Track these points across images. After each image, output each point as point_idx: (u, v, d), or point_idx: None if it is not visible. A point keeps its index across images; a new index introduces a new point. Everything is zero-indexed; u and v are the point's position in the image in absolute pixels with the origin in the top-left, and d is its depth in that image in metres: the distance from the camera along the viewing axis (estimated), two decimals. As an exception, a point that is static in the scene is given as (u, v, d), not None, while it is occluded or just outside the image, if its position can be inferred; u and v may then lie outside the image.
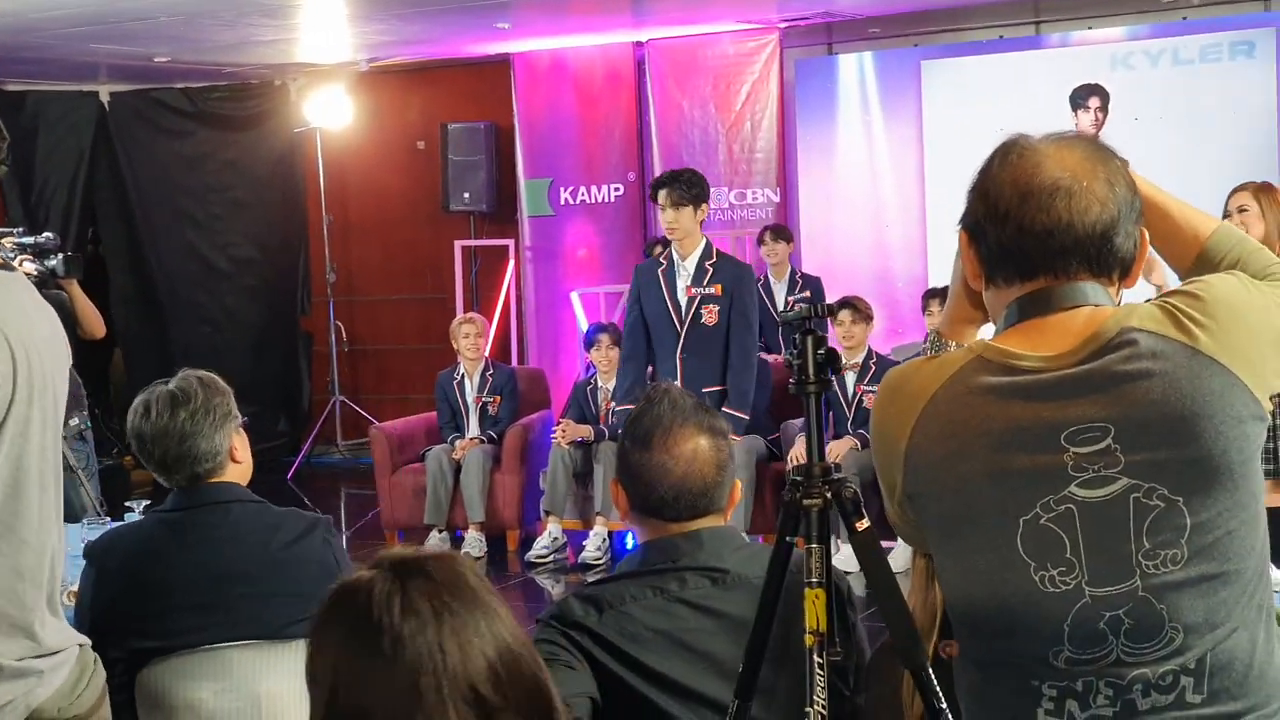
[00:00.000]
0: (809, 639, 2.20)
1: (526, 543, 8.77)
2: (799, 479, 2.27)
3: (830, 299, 8.87)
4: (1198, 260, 2.16)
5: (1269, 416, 1.94)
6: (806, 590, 2.21)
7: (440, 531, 8.82)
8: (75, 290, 7.22)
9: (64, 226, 11.98)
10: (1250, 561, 1.91)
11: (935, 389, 1.98)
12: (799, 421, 8.15)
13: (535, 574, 8.39)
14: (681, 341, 6.59)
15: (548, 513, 8.63)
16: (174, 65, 11.30)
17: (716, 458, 2.66)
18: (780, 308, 9.68)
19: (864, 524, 2.26)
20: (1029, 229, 1.96)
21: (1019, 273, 2.00)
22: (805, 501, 2.24)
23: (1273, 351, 1.96)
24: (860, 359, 8.02)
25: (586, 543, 8.44)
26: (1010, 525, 1.91)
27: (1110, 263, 1.99)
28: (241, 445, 3.54)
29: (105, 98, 12.32)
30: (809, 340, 2.27)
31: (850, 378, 8.03)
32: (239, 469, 3.53)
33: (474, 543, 8.74)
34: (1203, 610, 1.88)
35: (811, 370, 2.27)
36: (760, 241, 9.75)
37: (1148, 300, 2.02)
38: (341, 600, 1.72)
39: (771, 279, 9.75)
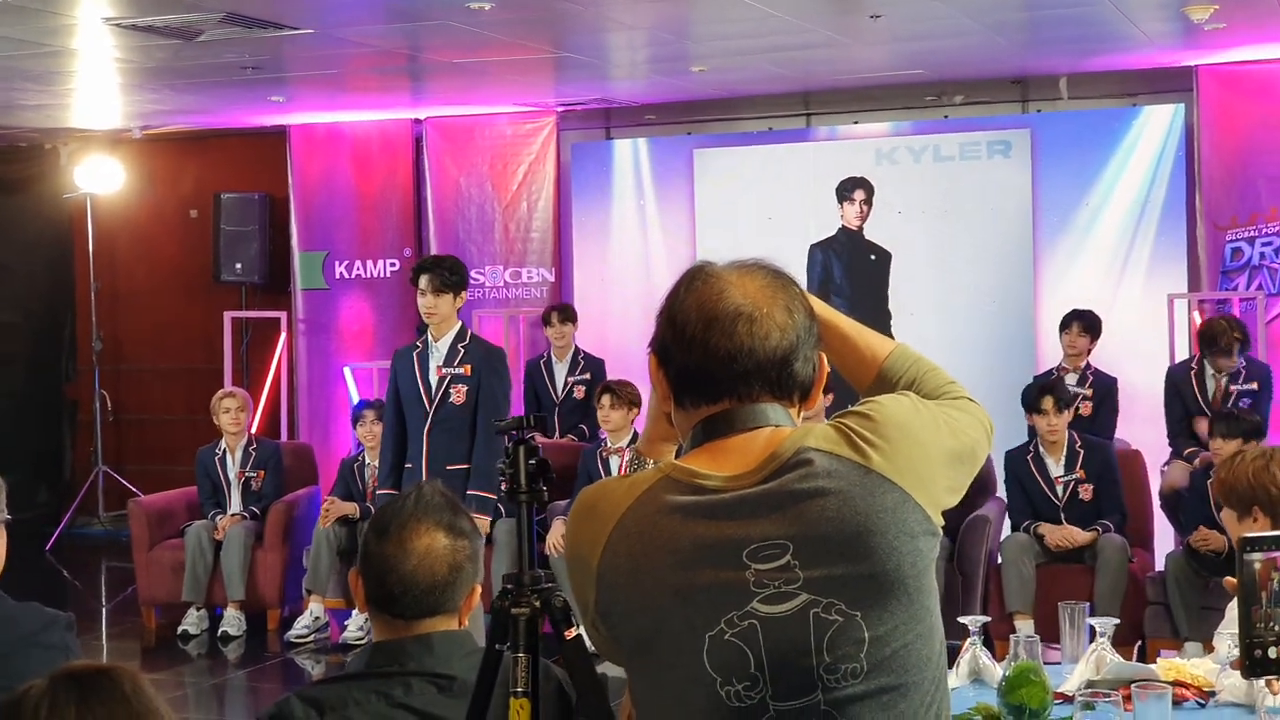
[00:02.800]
0: (512, 749, 2.22)
1: (289, 621, 8.64)
2: (509, 587, 2.30)
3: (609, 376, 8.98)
4: (876, 380, 2.25)
5: (940, 533, 2.02)
6: (511, 700, 2.22)
7: (199, 609, 8.64)
8: None
9: None
10: (928, 672, 1.98)
11: (625, 508, 2.02)
12: (563, 503, 8.19)
13: (295, 654, 8.26)
14: (429, 419, 6.64)
15: (309, 591, 8.52)
16: (-63, 124, 10.99)
17: (451, 557, 2.64)
18: (560, 388, 9.73)
19: (573, 632, 2.28)
20: (713, 353, 2.03)
21: (703, 395, 2.06)
22: (514, 610, 2.26)
23: (943, 469, 2.05)
24: (625, 443, 8.09)
25: (349, 622, 8.35)
26: (697, 641, 1.95)
27: (790, 385, 2.06)
28: (0, 542, 3.43)
29: None
30: (520, 450, 2.30)
31: (614, 462, 8.10)
32: None
33: (233, 621, 8.58)
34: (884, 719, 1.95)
35: (523, 479, 2.30)
36: (546, 322, 9.79)
37: (823, 421, 2.10)
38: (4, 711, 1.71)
39: (554, 359, 9.79)
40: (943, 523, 2.03)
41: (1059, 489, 7.62)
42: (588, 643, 2.20)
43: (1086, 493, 7.59)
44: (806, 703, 1.93)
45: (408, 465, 6.73)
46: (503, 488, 2.35)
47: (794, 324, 2.06)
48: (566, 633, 2.29)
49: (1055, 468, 7.64)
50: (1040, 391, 7.70)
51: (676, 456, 2.11)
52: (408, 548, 2.62)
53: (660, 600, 1.97)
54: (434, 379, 6.70)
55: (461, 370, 6.66)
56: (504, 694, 2.27)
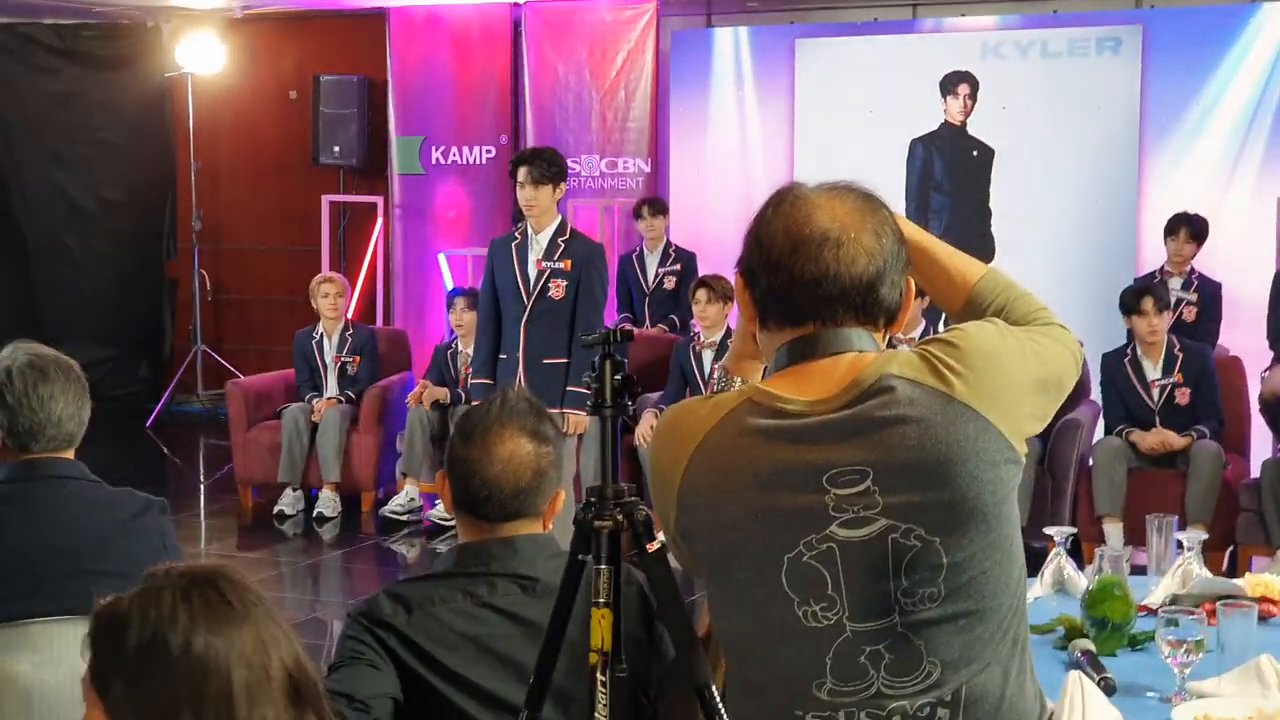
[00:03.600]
0: (594, 657, 2.24)
1: (382, 504, 8.79)
2: (592, 500, 2.31)
3: (702, 273, 8.95)
4: (965, 305, 2.24)
5: (1023, 459, 2.02)
6: (594, 610, 2.25)
7: (295, 489, 8.80)
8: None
9: (-76, 161, 11.75)
10: (1004, 599, 2.00)
11: (708, 429, 2.04)
12: (654, 395, 8.22)
13: (389, 537, 8.40)
14: (527, 312, 6.64)
15: (404, 474, 8.66)
16: (43, 2, 11.07)
17: (535, 463, 2.67)
18: (651, 280, 9.74)
19: (654, 544, 2.30)
20: (798, 277, 2.03)
21: (788, 318, 2.06)
22: (596, 523, 2.28)
23: (1028, 396, 2.04)
24: (718, 338, 8.09)
25: (439, 503, 8.47)
26: (775, 562, 1.98)
27: (875, 311, 2.06)
28: None
29: (-30, 30, 12.06)
30: (607, 364, 2.31)
31: (708, 356, 8.10)
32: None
33: (328, 502, 8.73)
34: (958, 646, 1.96)
35: (609, 394, 2.31)
36: (637, 215, 9.79)
37: (908, 347, 2.09)
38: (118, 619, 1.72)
39: (646, 251, 9.80)
40: (1026, 450, 2.03)
41: (1155, 393, 7.53)
42: (669, 556, 2.23)
43: (1183, 397, 7.49)
44: (883, 625, 1.95)
45: (502, 356, 6.75)
46: (588, 401, 2.36)
47: (881, 249, 2.05)
48: (648, 545, 2.30)
49: (1152, 371, 7.55)
50: (1139, 293, 7.57)
51: (762, 378, 2.11)
52: (492, 452, 2.66)
53: (740, 521, 2.00)
54: (533, 272, 6.68)
55: (561, 265, 6.64)
56: (586, 603, 2.30)
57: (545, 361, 6.61)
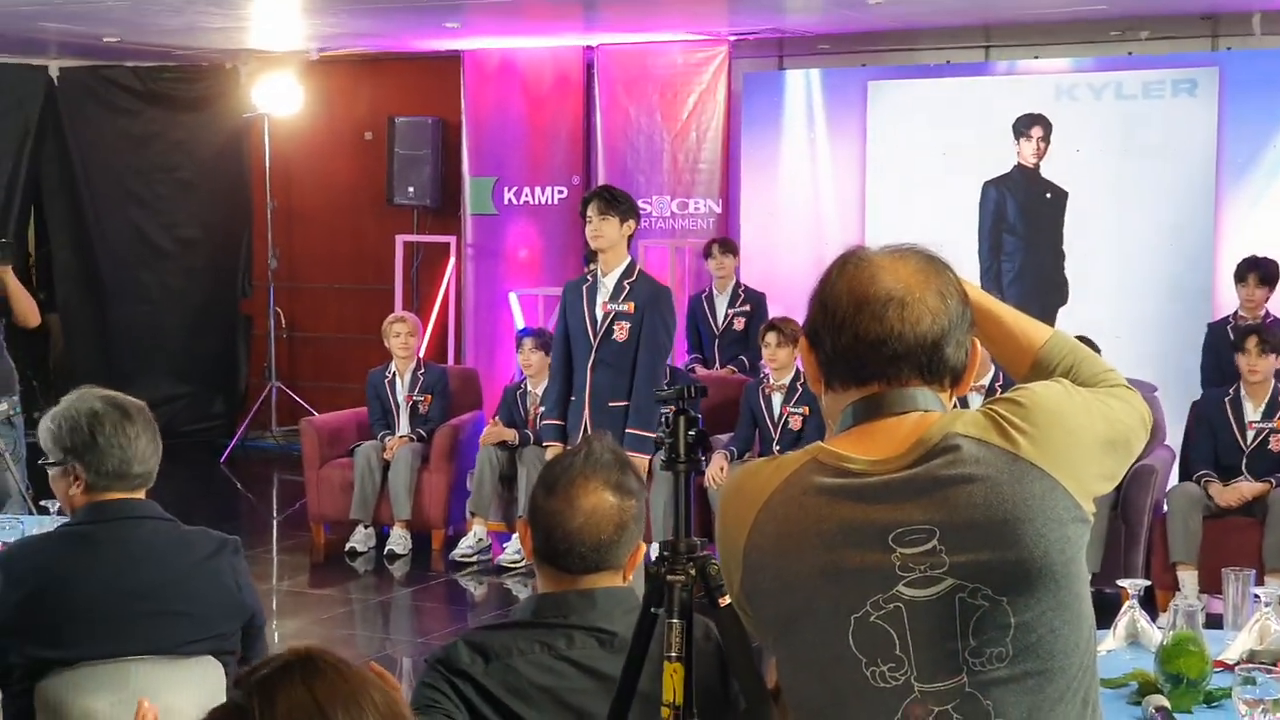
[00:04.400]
0: (665, 711, 2.25)
1: (452, 542, 8.82)
2: (665, 554, 2.32)
3: (772, 314, 8.96)
4: (1032, 367, 2.24)
5: (1091, 519, 2.01)
6: (665, 663, 2.26)
7: (366, 526, 8.85)
8: (9, 278, 7.20)
9: (7, 200, 11.96)
10: (1074, 658, 1.99)
11: (772, 489, 2.05)
12: (724, 437, 8.22)
13: (458, 575, 8.44)
14: (593, 355, 6.68)
15: (473, 513, 8.69)
16: (124, 45, 11.26)
17: (618, 516, 2.67)
18: (720, 320, 9.75)
19: (726, 600, 2.31)
20: (863, 337, 2.04)
21: (853, 378, 2.07)
22: (669, 577, 2.29)
23: (1095, 456, 2.04)
24: (787, 380, 8.08)
25: (508, 545, 8.51)
26: (842, 622, 1.97)
27: (941, 371, 2.07)
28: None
29: (55, 72, 12.27)
30: (681, 420, 2.32)
31: (777, 399, 8.10)
32: None
33: (399, 539, 8.78)
34: (1027, 706, 1.95)
35: (682, 449, 2.32)
36: (707, 255, 9.81)
37: (979, 396, 2.10)
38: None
39: (715, 291, 9.82)
40: (1094, 510, 2.03)
41: (1249, 435, 7.45)
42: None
43: (1277, 444, 7.40)
44: (952, 685, 1.95)
45: (573, 398, 6.79)
46: (661, 457, 2.37)
47: (946, 309, 2.06)
48: (720, 600, 2.31)
49: (1252, 413, 7.47)
50: (1247, 331, 7.55)
51: (825, 439, 2.12)
52: (575, 505, 2.65)
53: (807, 580, 2.00)
54: (599, 314, 6.73)
55: (625, 307, 6.69)
56: (659, 656, 2.31)
57: (610, 404, 6.65)
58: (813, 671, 2.02)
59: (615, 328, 6.69)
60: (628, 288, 6.72)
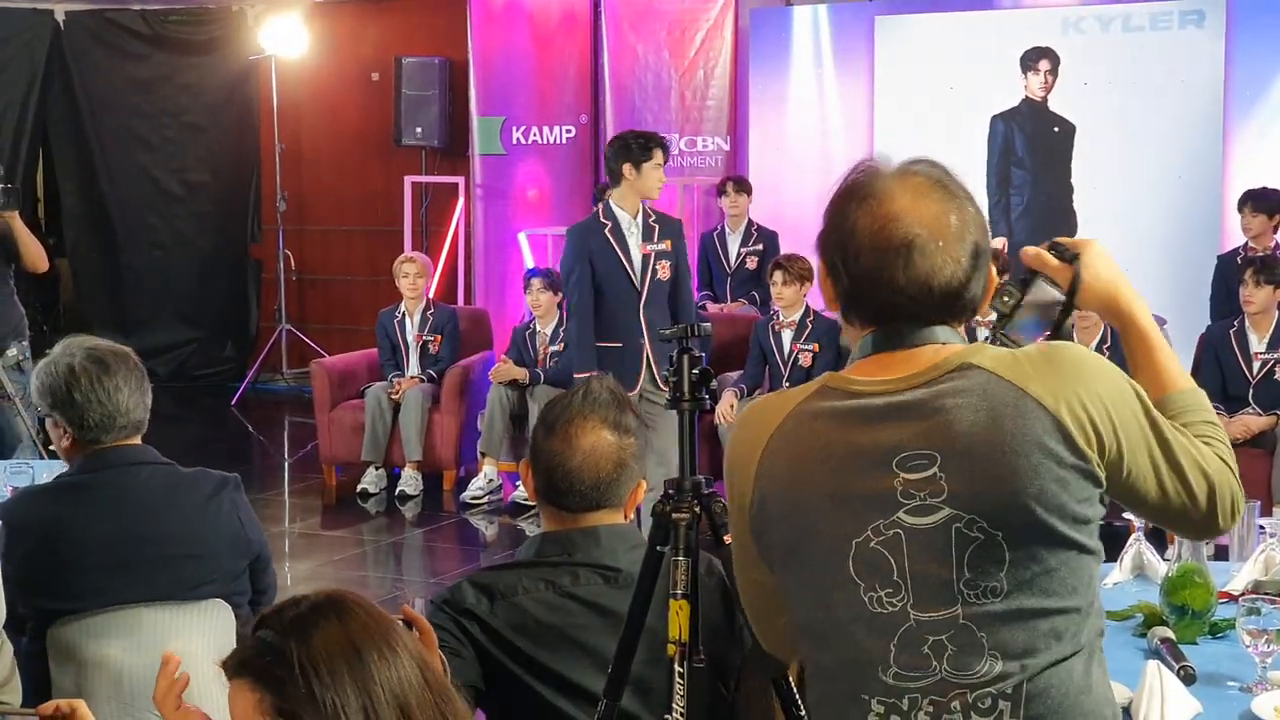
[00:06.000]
0: (671, 648, 2.28)
1: (463, 482, 8.85)
2: (670, 492, 2.35)
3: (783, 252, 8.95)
4: (1159, 403, 2.15)
5: (1098, 472, 1.98)
6: (671, 600, 2.28)
7: (377, 468, 8.89)
8: (17, 224, 7.20)
9: (14, 145, 11.96)
10: (1073, 599, 1.99)
11: (784, 416, 2.07)
12: (734, 375, 8.24)
13: (470, 515, 8.48)
14: (643, 299, 6.68)
15: (484, 454, 8.71)
16: (129, -13, 11.24)
17: (617, 455, 2.70)
18: (733, 259, 9.76)
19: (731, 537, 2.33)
20: (884, 284, 2.03)
21: (873, 319, 2.07)
22: (675, 515, 2.31)
23: (1110, 418, 1.99)
24: (796, 317, 8.09)
25: (519, 484, 8.54)
26: (844, 546, 2.00)
27: (961, 312, 2.07)
28: None
29: (60, 16, 12.24)
30: (685, 359, 2.34)
31: (787, 336, 8.11)
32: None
33: (410, 480, 8.82)
34: (1022, 641, 1.96)
35: (687, 388, 2.34)
36: (721, 192, 9.81)
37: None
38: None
39: (728, 230, 9.83)
40: (1096, 458, 1.98)
41: (1255, 365, 7.46)
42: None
43: (1283, 373, 7.44)
44: (946, 615, 1.96)
45: (617, 345, 6.72)
46: (668, 397, 2.39)
47: (966, 251, 2.04)
48: (725, 538, 2.34)
49: (1257, 344, 7.49)
50: (1248, 264, 7.59)
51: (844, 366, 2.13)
52: (574, 444, 2.68)
53: (814, 504, 2.02)
54: (638, 256, 6.72)
55: (663, 246, 6.71)
56: (665, 593, 2.33)
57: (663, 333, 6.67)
58: (815, 596, 2.04)
59: (659, 267, 6.70)
60: (656, 227, 6.73)
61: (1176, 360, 2.22)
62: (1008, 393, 1.97)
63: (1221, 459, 2.07)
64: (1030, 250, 2.22)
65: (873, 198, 2.05)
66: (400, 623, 1.85)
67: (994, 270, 2.12)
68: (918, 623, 1.97)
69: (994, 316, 2.18)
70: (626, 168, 6.65)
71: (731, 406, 7.91)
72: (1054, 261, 2.19)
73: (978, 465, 1.95)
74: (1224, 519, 2.06)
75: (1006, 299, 2.18)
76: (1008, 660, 1.95)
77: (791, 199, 10.25)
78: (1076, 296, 2.18)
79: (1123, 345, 2.20)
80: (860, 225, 2.04)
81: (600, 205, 6.97)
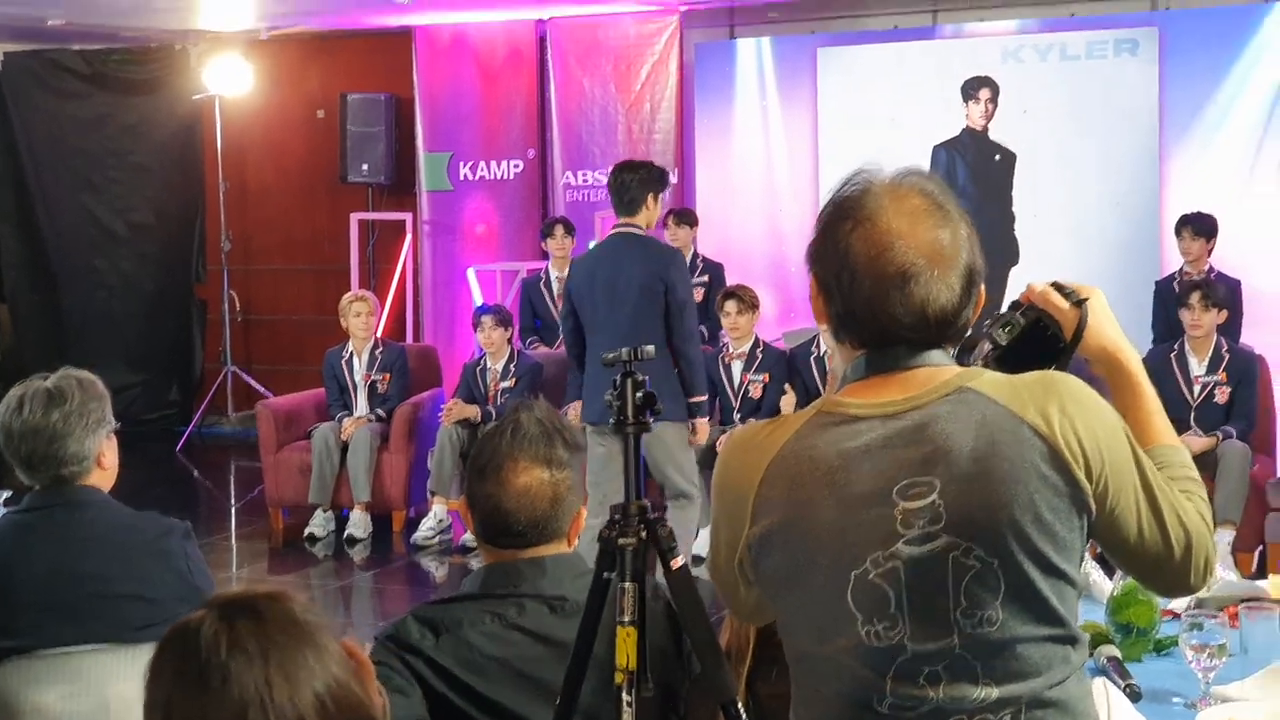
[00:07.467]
0: (619, 676, 2.27)
1: (413, 523, 8.76)
2: (616, 518, 2.34)
3: (729, 282, 8.96)
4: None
5: (1090, 502, 1.98)
6: (619, 628, 2.27)
7: (325, 510, 8.78)
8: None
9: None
10: (1062, 627, 2.00)
11: (782, 442, 2.05)
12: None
13: (420, 556, 8.42)
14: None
15: (434, 493, 8.64)
16: (70, 27, 11.17)
17: (552, 491, 2.67)
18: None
19: (678, 562, 2.33)
20: (880, 311, 2.02)
21: (867, 341, 2.07)
22: (620, 540, 2.31)
23: (1100, 451, 2.00)
24: (746, 348, 8.12)
25: (471, 523, 8.49)
26: (843, 578, 1.99)
27: (955, 335, 2.08)
28: (110, 451, 3.53)
29: (-1, 57, 12.18)
30: (628, 382, 2.34)
31: (736, 367, 8.13)
32: (103, 475, 3.53)
33: (359, 522, 8.72)
34: (1015, 668, 1.97)
35: (630, 411, 2.34)
36: (664, 225, 9.82)
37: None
38: (173, 640, 1.77)
39: (673, 262, 9.83)
40: (1090, 487, 1.99)
41: (1196, 388, 7.53)
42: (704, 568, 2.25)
43: (1222, 396, 7.49)
44: (942, 646, 1.96)
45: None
46: (610, 420, 2.39)
47: (960, 276, 2.04)
48: (672, 563, 2.33)
49: (1197, 367, 7.55)
50: (1190, 287, 7.65)
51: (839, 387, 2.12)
52: (507, 486, 2.65)
53: (815, 535, 2.01)
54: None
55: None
56: (613, 620, 2.32)
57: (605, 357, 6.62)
58: (812, 627, 2.04)
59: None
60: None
61: (1165, 415, 2.22)
62: (1005, 418, 1.97)
63: (1201, 515, 2.08)
64: (1037, 287, 2.22)
65: (868, 220, 2.03)
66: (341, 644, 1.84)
67: (983, 292, 2.12)
68: (914, 654, 1.97)
69: (988, 345, 2.17)
70: (650, 198, 6.57)
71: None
72: (1062, 302, 2.19)
73: (976, 491, 1.95)
74: (1196, 575, 2.06)
75: (1007, 330, 2.18)
76: (1002, 687, 1.96)
77: (738, 230, 10.31)
78: (1080, 340, 2.18)
79: (1114, 394, 2.18)
80: (856, 249, 2.03)
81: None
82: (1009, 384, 2.01)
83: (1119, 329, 2.22)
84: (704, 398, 6.65)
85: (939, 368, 2.04)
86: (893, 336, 2.04)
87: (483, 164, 11.22)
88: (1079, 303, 2.18)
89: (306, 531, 8.72)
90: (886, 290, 2.01)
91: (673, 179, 10.51)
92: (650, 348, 2.40)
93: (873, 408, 2.01)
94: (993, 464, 1.94)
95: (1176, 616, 3.39)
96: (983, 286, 2.11)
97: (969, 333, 2.12)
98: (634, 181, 6.53)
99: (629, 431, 2.36)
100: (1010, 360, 2.14)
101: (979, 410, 1.97)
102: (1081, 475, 1.96)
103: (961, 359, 2.12)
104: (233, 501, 10.29)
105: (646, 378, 2.37)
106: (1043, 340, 2.18)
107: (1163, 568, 2.05)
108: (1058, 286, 2.20)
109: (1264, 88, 9.25)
